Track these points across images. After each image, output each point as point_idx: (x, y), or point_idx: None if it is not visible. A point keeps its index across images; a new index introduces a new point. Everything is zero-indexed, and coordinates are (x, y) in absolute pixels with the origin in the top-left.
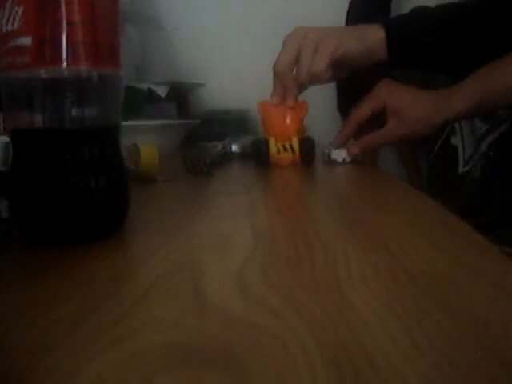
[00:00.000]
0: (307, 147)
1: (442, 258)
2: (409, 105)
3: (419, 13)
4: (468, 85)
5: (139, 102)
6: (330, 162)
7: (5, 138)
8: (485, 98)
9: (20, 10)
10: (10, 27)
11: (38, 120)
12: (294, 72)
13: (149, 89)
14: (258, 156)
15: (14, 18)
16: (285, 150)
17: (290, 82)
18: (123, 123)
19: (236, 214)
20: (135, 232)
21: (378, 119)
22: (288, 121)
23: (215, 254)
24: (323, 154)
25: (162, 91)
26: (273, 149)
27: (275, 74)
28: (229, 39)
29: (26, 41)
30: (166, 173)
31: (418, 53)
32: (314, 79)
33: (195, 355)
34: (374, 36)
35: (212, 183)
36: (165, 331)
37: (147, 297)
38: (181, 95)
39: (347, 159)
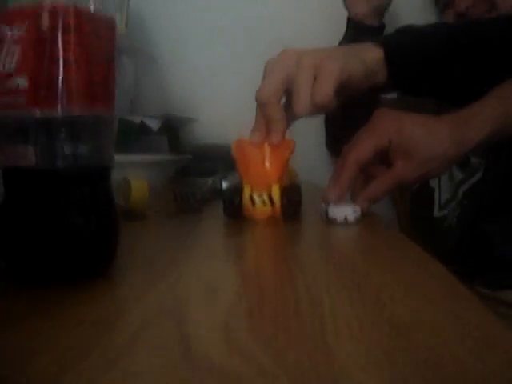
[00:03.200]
0: (290, 198)
1: (427, 309)
2: (420, 139)
3: (413, 32)
4: (487, 106)
5: (131, 134)
6: (328, 221)
7: None
8: (508, 122)
9: (17, 49)
10: (6, 67)
11: (31, 156)
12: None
13: (141, 122)
14: (229, 207)
15: (12, 58)
16: (262, 201)
17: (276, 113)
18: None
19: (225, 256)
20: (123, 273)
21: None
22: (268, 164)
23: (202, 299)
24: (320, 209)
25: (154, 125)
26: (246, 200)
27: (258, 105)
28: (222, 74)
29: (22, 81)
30: (156, 207)
31: (421, 74)
32: (319, 109)
33: None
34: (372, 56)
35: (202, 220)
36: (148, 383)
37: (132, 345)
38: (172, 129)
39: (350, 218)
